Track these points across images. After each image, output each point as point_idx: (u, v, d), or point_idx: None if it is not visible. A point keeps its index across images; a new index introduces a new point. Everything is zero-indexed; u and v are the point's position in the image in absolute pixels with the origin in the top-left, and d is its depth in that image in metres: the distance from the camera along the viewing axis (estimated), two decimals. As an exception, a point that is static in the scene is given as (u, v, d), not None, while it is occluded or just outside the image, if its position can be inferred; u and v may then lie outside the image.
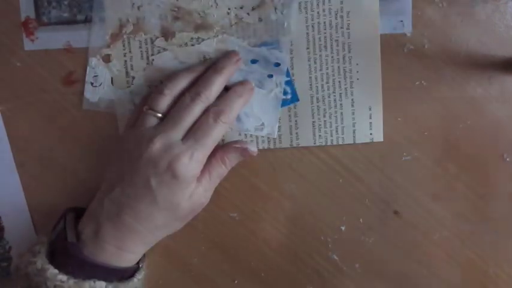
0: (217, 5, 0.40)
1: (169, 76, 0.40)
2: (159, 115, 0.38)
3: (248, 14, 0.40)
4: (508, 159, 0.41)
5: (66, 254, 0.35)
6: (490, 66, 0.40)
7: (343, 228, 0.42)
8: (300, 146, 0.42)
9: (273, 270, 0.43)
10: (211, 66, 0.40)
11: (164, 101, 0.38)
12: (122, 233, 0.36)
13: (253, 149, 0.40)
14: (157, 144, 0.36)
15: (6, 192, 0.43)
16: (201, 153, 0.37)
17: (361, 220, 0.42)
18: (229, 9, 0.40)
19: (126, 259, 0.37)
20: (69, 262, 0.35)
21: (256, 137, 0.42)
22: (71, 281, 0.35)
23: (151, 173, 0.36)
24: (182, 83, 0.39)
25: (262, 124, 0.41)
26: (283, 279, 0.43)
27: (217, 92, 0.39)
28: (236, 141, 0.41)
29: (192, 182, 0.37)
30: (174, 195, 0.36)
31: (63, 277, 0.34)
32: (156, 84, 0.41)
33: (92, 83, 0.41)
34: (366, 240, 0.43)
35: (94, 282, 0.35)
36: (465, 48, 0.40)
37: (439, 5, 0.40)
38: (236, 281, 0.43)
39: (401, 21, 0.40)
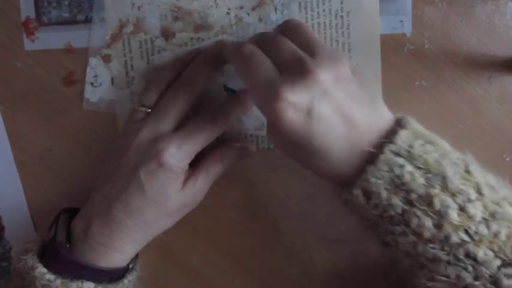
0: (217, 5, 0.40)
1: (155, 70, 0.40)
2: (148, 110, 0.38)
3: (248, 14, 0.40)
4: (507, 159, 0.41)
5: (55, 254, 0.35)
6: (490, 66, 0.40)
7: (342, 228, 0.42)
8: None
9: (273, 271, 0.43)
10: (196, 55, 0.39)
11: (152, 95, 0.38)
12: (111, 230, 0.36)
13: (250, 147, 0.40)
14: (144, 134, 0.36)
15: (6, 192, 0.43)
16: (191, 146, 0.36)
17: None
18: (229, 9, 0.40)
19: (115, 260, 0.37)
20: (58, 262, 0.35)
21: (256, 137, 0.42)
22: (58, 281, 0.34)
23: (139, 163, 0.36)
24: (168, 75, 0.39)
25: (262, 124, 0.41)
26: (284, 280, 0.43)
27: (203, 81, 0.38)
28: (235, 141, 0.41)
29: (179, 173, 0.36)
30: (162, 186, 0.36)
31: (50, 276, 0.34)
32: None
33: (92, 83, 0.41)
34: (366, 240, 0.43)
35: (82, 282, 0.35)
36: (465, 48, 0.40)
37: (438, 5, 0.40)
38: (236, 281, 0.43)
39: (401, 21, 0.40)
